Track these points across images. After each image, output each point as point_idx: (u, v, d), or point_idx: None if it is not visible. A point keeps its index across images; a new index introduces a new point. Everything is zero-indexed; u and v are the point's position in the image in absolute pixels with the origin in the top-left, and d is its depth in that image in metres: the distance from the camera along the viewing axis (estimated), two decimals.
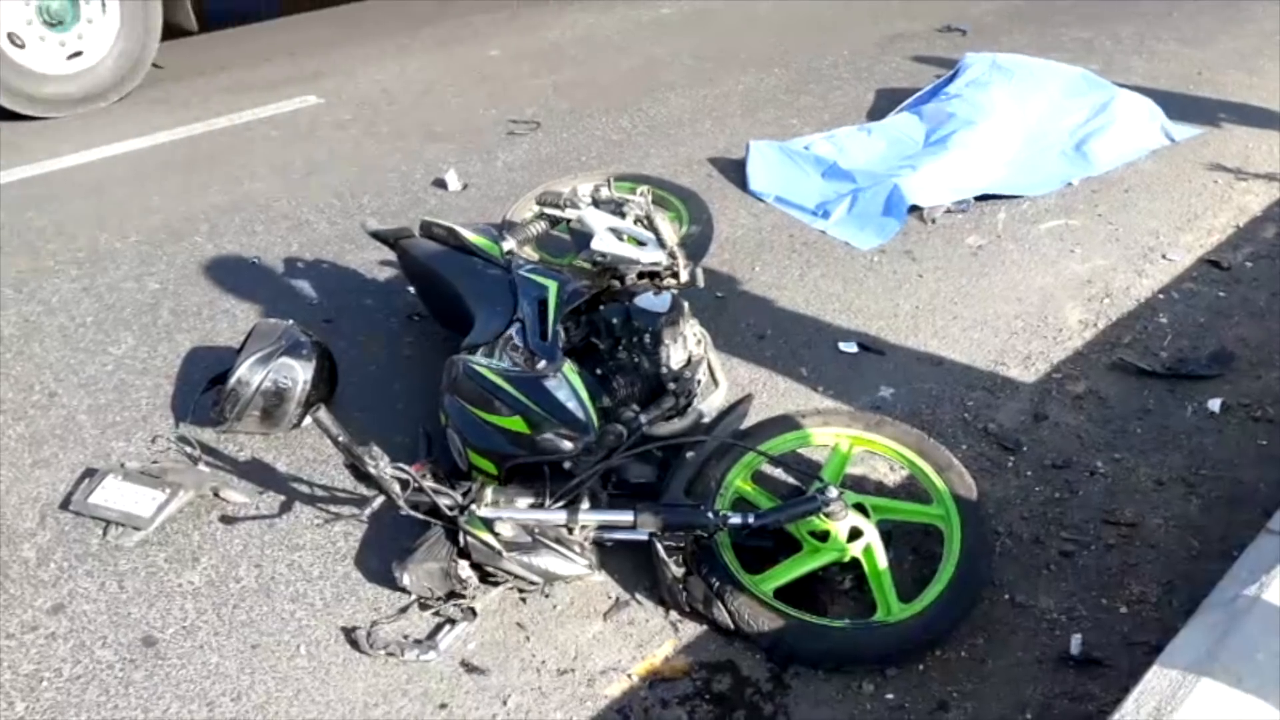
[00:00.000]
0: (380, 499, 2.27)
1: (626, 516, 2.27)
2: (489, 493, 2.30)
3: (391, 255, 3.47)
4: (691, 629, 2.32)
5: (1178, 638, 2.05)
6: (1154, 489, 2.73)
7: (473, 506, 2.24)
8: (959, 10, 6.88)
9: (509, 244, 3.05)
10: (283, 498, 2.71)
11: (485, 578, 2.29)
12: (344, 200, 4.41)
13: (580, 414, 2.40)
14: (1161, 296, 3.61)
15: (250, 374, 2.70)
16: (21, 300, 3.65)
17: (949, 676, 2.20)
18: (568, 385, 2.45)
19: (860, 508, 2.40)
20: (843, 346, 3.35)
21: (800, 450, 2.67)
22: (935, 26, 6.62)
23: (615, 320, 2.72)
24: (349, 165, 4.77)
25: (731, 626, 2.24)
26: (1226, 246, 3.92)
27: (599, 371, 2.68)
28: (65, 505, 2.67)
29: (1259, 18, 6.64)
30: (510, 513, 2.26)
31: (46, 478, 2.79)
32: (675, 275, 2.92)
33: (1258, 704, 1.85)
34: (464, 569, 2.25)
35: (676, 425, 2.69)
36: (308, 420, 2.81)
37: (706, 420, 2.74)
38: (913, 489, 2.65)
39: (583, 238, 3.06)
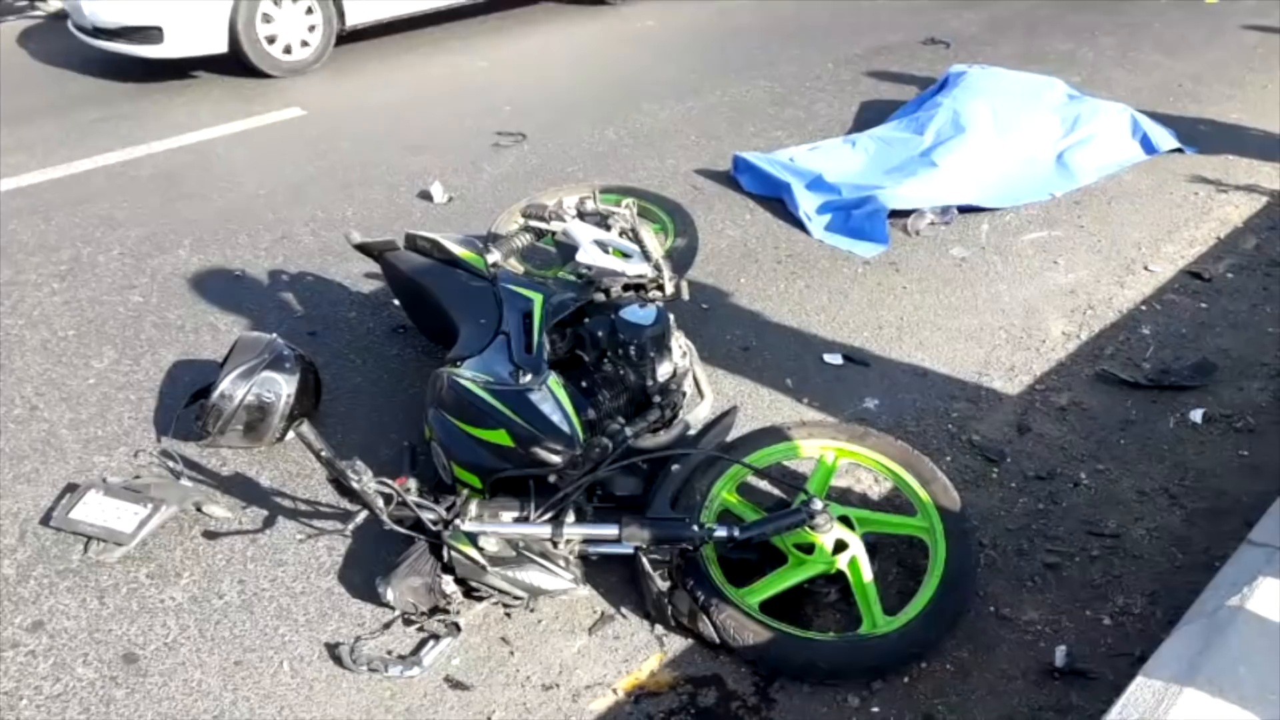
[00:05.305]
0: (364, 514, 2.25)
1: (612, 530, 2.26)
2: (473, 507, 2.29)
3: (376, 268, 3.46)
4: (677, 643, 2.31)
5: (1161, 649, 2.06)
6: (1137, 500, 2.74)
7: (457, 521, 2.23)
8: (942, 23, 6.94)
9: (494, 256, 3.05)
10: (266, 513, 2.69)
11: (469, 593, 2.29)
12: (328, 212, 4.41)
13: (565, 427, 2.40)
14: (1144, 308, 3.64)
15: (233, 388, 2.69)
16: (3, 313, 3.63)
17: (934, 689, 2.20)
18: (552, 398, 2.44)
19: (845, 520, 2.41)
20: (828, 358, 3.36)
21: (785, 462, 2.68)
22: (919, 39, 6.69)
23: (601, 333, 2.72)
24: (333, 177, 4.76)
25: (717, 640, 2.23)
26: (1208, 258, 3.95)
27: (584, 384, 2.68)
28: (46, 521, 2.65)
29: (1239, 30, 6.72)
30: (495, 527, 2.25)
31: (27, 493, 2.77)
32: (660, 287, 2.93)
33: (1240, 715, 1.86)
34: (448, 584, 2.25)
35: (662, 438, 2.69)
36: (291, 434, 2.80)
37: (692, 433, 2.74)
38: (897, 501, 2.66)
39: (568, 250, 3.07)
